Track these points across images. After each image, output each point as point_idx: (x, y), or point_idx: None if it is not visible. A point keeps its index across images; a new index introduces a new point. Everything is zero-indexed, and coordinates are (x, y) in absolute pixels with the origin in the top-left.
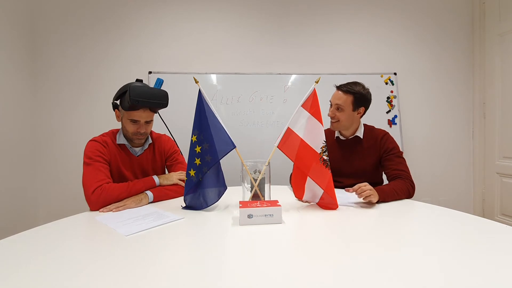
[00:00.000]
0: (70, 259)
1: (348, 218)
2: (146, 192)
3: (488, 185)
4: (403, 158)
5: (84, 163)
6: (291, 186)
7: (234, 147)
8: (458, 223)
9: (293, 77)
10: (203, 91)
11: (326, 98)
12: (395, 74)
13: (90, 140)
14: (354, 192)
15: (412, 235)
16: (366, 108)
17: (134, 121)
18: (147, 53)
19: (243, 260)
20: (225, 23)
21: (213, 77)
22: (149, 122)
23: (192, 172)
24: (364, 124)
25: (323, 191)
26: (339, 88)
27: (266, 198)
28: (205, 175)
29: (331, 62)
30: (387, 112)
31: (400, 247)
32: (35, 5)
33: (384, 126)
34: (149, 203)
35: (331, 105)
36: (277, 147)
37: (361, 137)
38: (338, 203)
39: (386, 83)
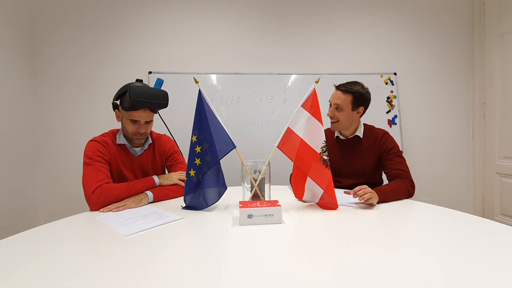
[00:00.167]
0: (70, 259)
1: (348, 218)
2: (146, 192)
3: (488, 185)
4: (403, 157)
5: (84, 163)
6: (291, 186)
7: (234, 147)
8: (458, 223)
9: (293, 77)
10: (203, 91)
11: (326, 98)
12: (395, 74)
13: (90, 140)
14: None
15: (412, 235)
16: (366, 107)
17: (134, 121)
18: (147, 53)
19: (243, 260)
20: (225, 23)
21: (213, 77)
22: (149, 122)
23: (192, 172)
24: (364, 124)
25: (323, 191)
26: (338, 87)
27: (266, 198)
28: (205, 175)
29: (331, 62)
30: (387, 112)
31: (400, 247)
32: (35, 5)
33: (384, 126)
34: (149, 203)
35: (330, 105)
36: (277, 147)
37: (361, 136)
38: (338, 203)
39: (386, 83)
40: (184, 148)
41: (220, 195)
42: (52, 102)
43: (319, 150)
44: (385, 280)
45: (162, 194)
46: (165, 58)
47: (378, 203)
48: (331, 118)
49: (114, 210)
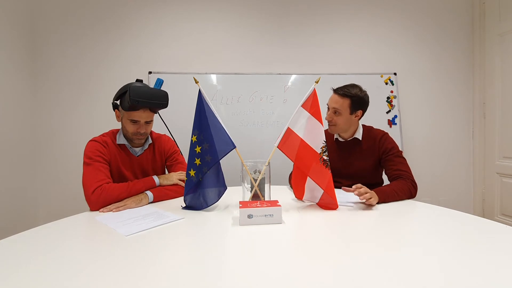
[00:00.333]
0: (70, 259)
1: (348, 218)
2: (146, 192)
3: (488, 185)
4: (403, 157)
5: (84, 163)
6: (291, 186)
7: (234, 147)
8: (458, 223)
9: (293, 77)
10: (203, 91)
11: (326, 98)
12: (395, 74)
13: (90, 140)
14: (352, 192)
15: (412, 235)
16: (364, 110)
17: (134, 121)
18: (147, 53)
19: (243, 260)
20: (225, 23)
21: (213, 77)
22: (149, 122)
23: (192, 172)
24: (362, 125)
25: (323, 191)
26: (335, 91)
27: (266, 198)
28: (205, 175)
29: (331, 62)
30: (387, 112)
31: (400, 247)
32: (35, 5)
33: (384, 126)
34: (149, 203)
35: (328, 108)
36: (277, 147)
37: (360, 138)
38: (338, 203)
39: (386, 83)
40: (184, 148)
41: (220, 195)
42: (52, 102)
43: (319, 150)
44: (385, 280)
45: (162, 194)
46: (165, 58)
47: (378, 203)
48: (329, 122)
49: (114, 210)
